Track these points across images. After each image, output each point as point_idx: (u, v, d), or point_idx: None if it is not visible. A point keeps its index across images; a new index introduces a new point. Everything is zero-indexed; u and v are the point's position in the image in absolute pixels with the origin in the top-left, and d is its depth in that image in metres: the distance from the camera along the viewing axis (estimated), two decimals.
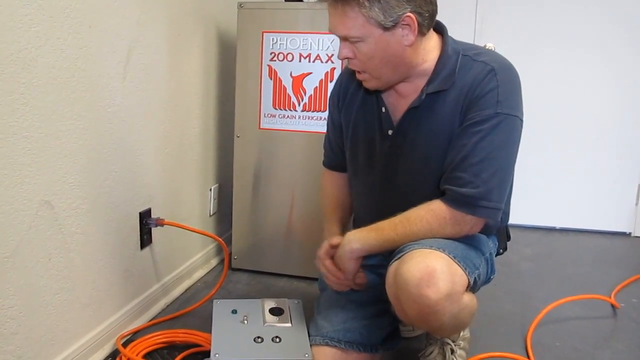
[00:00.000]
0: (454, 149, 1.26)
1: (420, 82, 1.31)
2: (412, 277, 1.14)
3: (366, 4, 1.16)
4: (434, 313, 1.15)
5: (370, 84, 1.33)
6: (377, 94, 1.38)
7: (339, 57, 1.30)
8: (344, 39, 1.25)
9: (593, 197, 3.05)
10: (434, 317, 1.16)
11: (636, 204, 3.02)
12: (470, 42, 1.44)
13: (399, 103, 1.36)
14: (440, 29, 1.33)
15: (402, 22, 1.20)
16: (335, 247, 1.38)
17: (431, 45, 1.30)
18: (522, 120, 1.27)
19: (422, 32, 1.24)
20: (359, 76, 1.33)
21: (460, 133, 1.26)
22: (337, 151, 1.57)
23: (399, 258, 1.22)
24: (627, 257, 2.69)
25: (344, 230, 1.53)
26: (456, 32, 1.36)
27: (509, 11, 2.98)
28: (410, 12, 1.19)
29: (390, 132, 1.37)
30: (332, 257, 1.39)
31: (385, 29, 1.20)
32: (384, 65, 1.26)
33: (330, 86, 1.99)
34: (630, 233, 3.04)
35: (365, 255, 1.33)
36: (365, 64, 1.27)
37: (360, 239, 1.31)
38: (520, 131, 1.27)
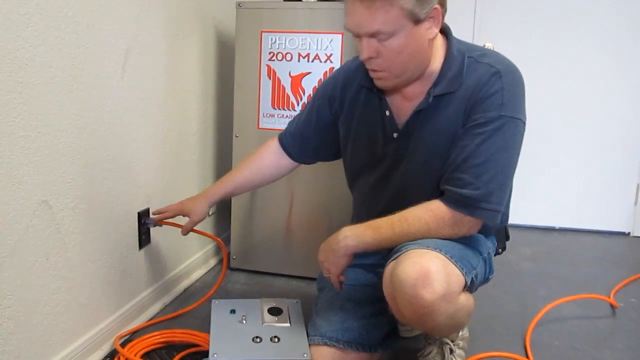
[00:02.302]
0: (455, 150, 1.26)
1: (427, 84, 1.30)
2: (408, 278, 1.14)
3: None
4: (429, 313, 1.15)
5: (387, 83, 1.29)
6: (380, 96, 1.37)
7: (362, 58, 1.23)
8: (370, 36, 1.19)
9: (592, 197, 3.05)
10: (429, 318, 1.16)
11: (635, 204, 3.02)
12: (469, 41, 1.44)
13: (403, 106, 1.35)
14: (444, 29, 1.32)
15: (430, 15, 1.19)
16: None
17: (437, 44, 1.29)
18: (524, 124, 1.26)
19: (440, 26, 1.24)
20: (376, 75, 1.28)
21: (462, 134, 1.26)
22: (298, 139, 1.57)
23: (396, 258, 1.22)
24: (626, 257, 2.69)
25: (226, 198, 1.64)
26: (455, 31, 1.36)
27: (508, 10, 2.98)
28: (437, 3, 1.18)
29: (395, 135, 1.36)
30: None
31: (417, 21, 1.17)
32: (409, 61, 1.23)
33: None
34: (629, 233, 3.04)
35: (361, 252, 1.33)
36: (391, 61, 1.22)
37: (356, 237, 1.30)
38: (523, 134, 1.27)
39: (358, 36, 1.21)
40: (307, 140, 1.56)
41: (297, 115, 1.62)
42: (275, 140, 1.63)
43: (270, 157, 1.61)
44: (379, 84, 1.31)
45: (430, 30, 1.21)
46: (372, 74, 1.29)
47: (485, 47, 1.46)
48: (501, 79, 1.24)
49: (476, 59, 1.29)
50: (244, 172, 1.61)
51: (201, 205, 1.59)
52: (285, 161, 1.61)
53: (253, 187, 1.66)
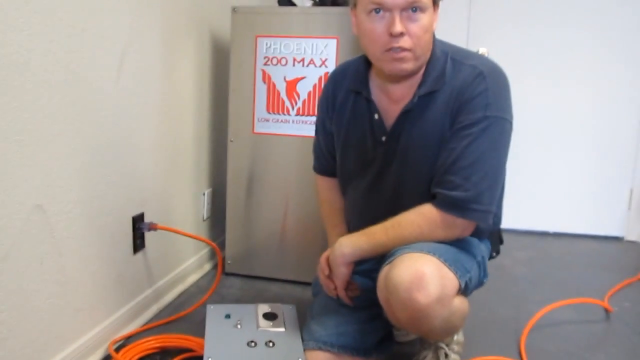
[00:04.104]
0: (444, 153, 1.27)
1: (412, 85, 1.32)
2: (402, 281, 1.14)
3: None
4: (424, 317, 1.15)
5: (408, 65, 1.25)
6: (368, 99, 1.38)
7: (394, 32, 1.19)
8: (408, 6, 1.18)
9: (586, 201, 3.07)
10: (424, 321, 1.16)
11: (628, 209, 3.03)
12: (464, 45, 1.45)
13: (390, 108, 1.36)
14: None
15: (438, 6, 1.24)
16: None
17: None
18: (511, 123, 1.28)
19: None
20: (399, 55, 1.23)
21: (450, 137, 1.27)
22: (329, 158, 1.56)
23: (390, 262, 1.22)
24: (619, 261, 2.70)
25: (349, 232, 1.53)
26: (449, 36, 1.37)
27: (501, 15, 2.99)
28: None
29: (383, 138, 1.37)
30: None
31: (435, 6, 1.23)
32: (428, 42, 1.26)
33: None
34: (622, 237, 3.06)
35: (357, 260, 1.33)
36: (419, 38, 1.22)
37: (351, 244, 1.31)
38: (510, 134, 1.28)
39: (390, 9, 1.20)
40: (334, 155, 1.55)
41: (314, 139, 1.61)
42: (318, 177, 1.63)
43: (329, 191, 1.60)
44: (398, 66, 1.25)
45: (436, 21, 1.26)
46: (394, 55, 1.23)
47: (479, 52, 1.47)
48: (485, 80, 1.25)
49: (460, 60, 1.30)
50: (340, 216, 1.57)
51: None
52: (337, 184, 1.58)
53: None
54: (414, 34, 1.21)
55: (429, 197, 1.29)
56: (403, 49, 1.22)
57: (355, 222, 1.46)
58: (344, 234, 1.46)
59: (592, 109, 2.99)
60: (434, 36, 1.32)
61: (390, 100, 1.36)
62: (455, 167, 1.24)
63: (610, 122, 2.98)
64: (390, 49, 1.23)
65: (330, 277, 1.39)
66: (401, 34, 1.20)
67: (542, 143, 3.04)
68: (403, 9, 1.19)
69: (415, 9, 1.19)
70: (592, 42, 2.93)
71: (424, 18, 1.21)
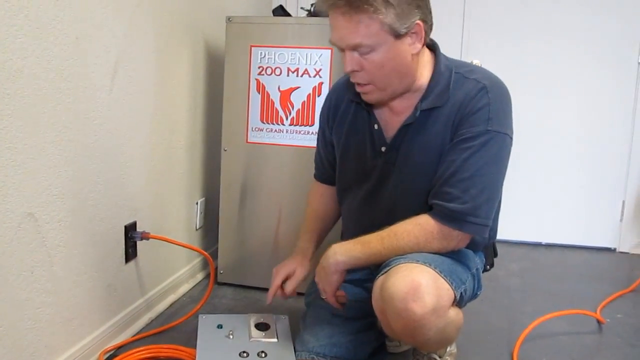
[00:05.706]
0: (443, 165, 1.27)
1: (414, 99, 1.32)
2: (398, 292, 1.14)
3: (382, 9, 1.15)
4: (419, 327, 1.15)
5: (372, 97, 1.30)
6: (369, 110, 1.38)
7: (345, 71, 1.25)
8: (352, 49, 1.21)
9: (578, 213, 3.07)
10: (419, 332, 1.16)
11: (621, 220, 3.04)
12: (457, 57, 1.46)
13: (392, 120, 1.36)
14: (432, 45, 1.34)
15: (412, 30, 1.20)
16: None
17: (425, 60, 1.31)
18: (511, 138, 1.28)
19: (424, 42, 1.26)
20: (361, 89, 1.29)
21: (450, 149, 1.27)
22: (327, 167, 1.57)
23: (385, 272, 1.22)
24: (612, 273, 2.70)
25: (318, 244, 1.58)
26: (444, 48, 1.38)
27: (495, 27, 3.01)
28: (419, 19, 1.20)
29: (383, 148, 1.37)
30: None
31: (397, 36, 1.19)
32: (392, 75, 1.25)
33: (319, 101, 1.99)
34: (615, 249, 3.06)
35: (350, 269, 1.33)
36: (374, 74, 1.24)
37: (346, 252, 1.30)
38: (510, 149, 1.29)
39: (342, 50, 1.24)
40: (332, 165, 1.56)
41: (316, 149, 1.62)
42: (314, 182, 1.64)
43: (318, 197, 1.62)
44: (364, 97, 1.33)
45: (413, 45, 1.23)
46: (357, 88, 1.30)
47: (473, 63, 1.48)
48: (488, 94, 1.25)
49: (463, 74, 1.30)
50: (317, 224, 1.60)
51: (305, 263, 1.55)
52: (330, 191, 1.59)
53: (331, 226, 1.65)
54: (368, 70, 1.24)
55: (426, 208, 1.29)
56: (359, 84, 1.27)
57: (351, 230, 1.46)
58: (312, 243, 1.53)
59: (583, 121, 3.00)
60: (437, 52, 1.32)
61: (392, 112, 1.36)
62: (453, 179, 1.24)
63: (602, 133, 3.00)
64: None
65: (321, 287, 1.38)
66: (353, 71, 1.24)
67: (534, 155, 3.05)
68: (353, 49, 1.22)
69: (363, 49, 1.21)
70: (584, 56, 2.95)
71: (374, 56, 1.21)
